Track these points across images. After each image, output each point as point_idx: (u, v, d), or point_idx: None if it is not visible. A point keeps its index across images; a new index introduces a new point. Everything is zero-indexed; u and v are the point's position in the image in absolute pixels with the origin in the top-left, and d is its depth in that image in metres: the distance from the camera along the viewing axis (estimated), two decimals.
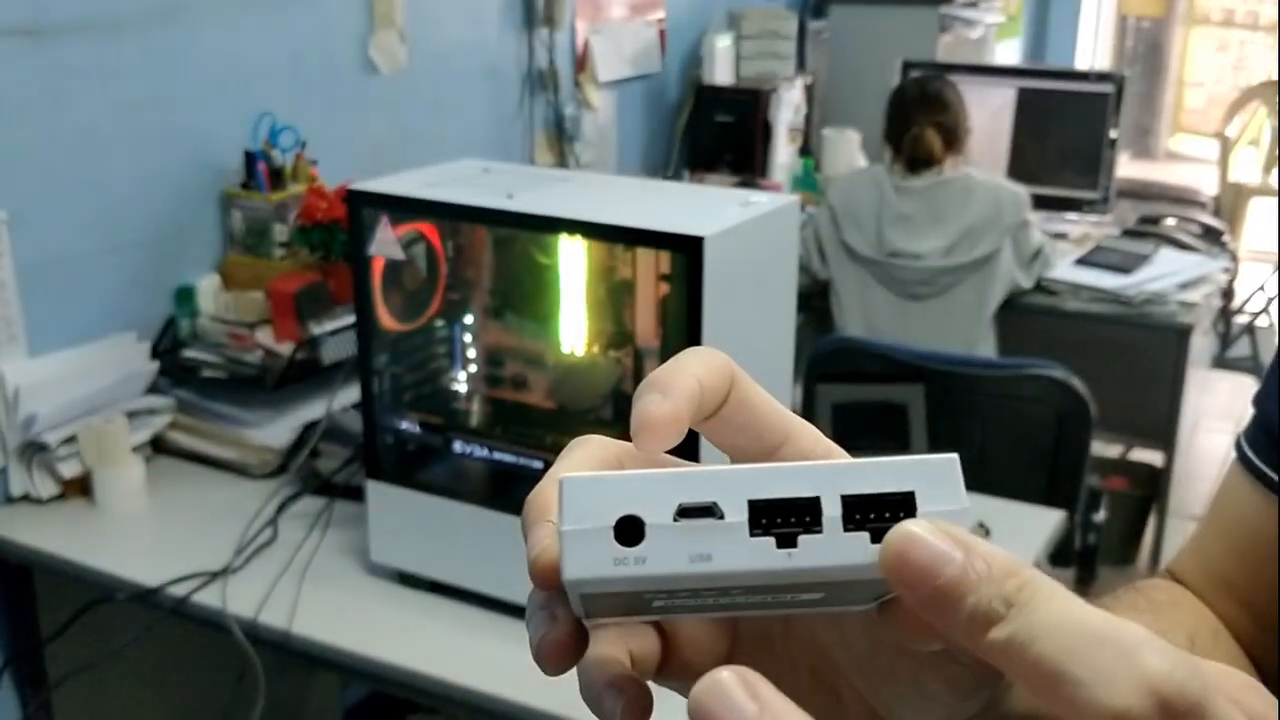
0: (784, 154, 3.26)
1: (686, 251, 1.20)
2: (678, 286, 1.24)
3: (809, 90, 3.45)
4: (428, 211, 1.43)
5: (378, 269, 1.46)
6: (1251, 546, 0.60)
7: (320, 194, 1.91)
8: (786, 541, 0.31)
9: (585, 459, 0.36)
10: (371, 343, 1.47)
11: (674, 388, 0.35)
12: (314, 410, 1.82)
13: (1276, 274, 3.47)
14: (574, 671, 0.36)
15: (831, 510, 0.31)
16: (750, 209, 1.30)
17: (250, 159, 1.95)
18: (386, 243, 1.43)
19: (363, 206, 1.43)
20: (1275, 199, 5.11)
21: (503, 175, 1.51)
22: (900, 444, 1.75)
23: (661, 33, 3.13)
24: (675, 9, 3.18)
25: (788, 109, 3.27)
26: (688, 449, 0.34)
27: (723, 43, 3.23)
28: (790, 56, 3.37)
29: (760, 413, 0.38)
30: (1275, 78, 5.88)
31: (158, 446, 1.81)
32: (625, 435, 0.37)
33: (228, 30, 1.96)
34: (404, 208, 1.42)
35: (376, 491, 1.50)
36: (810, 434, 0.38)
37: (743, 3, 3.43)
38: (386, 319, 1.48)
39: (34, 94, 1.70)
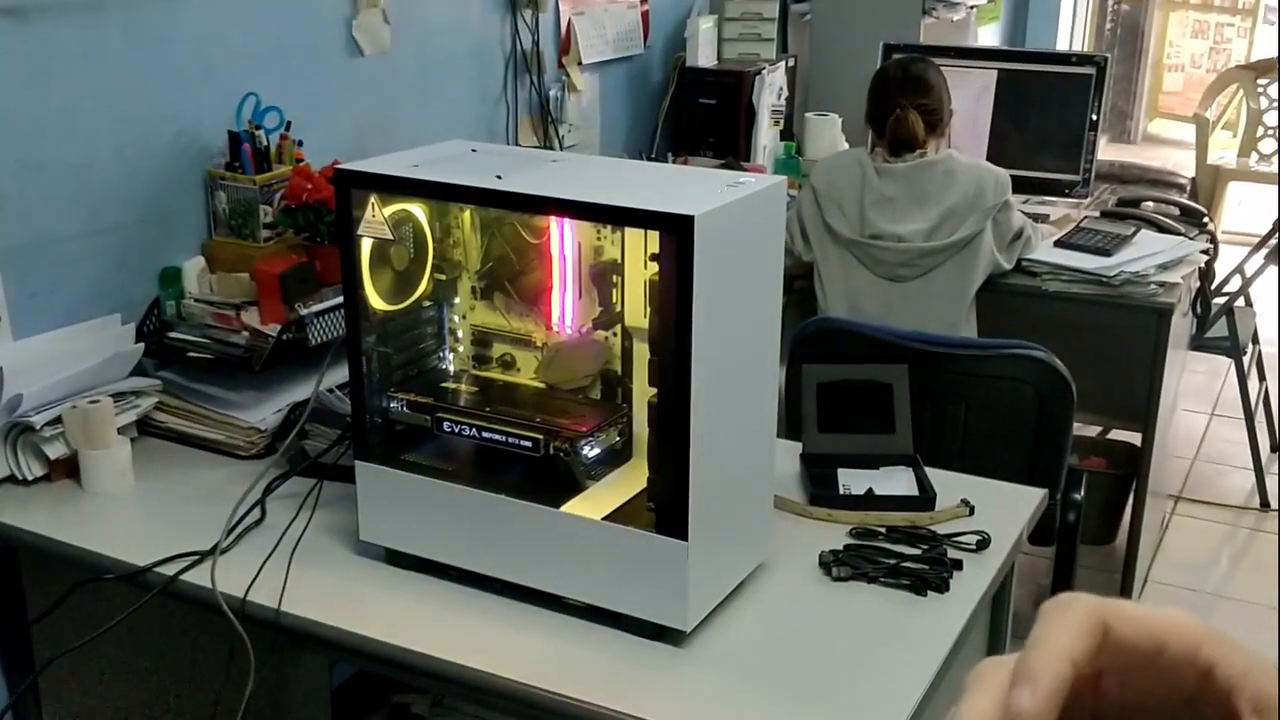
0: (766, 137, 3.27)
1: (676, 231, 1.21)
2: (668, 266, 1.25)
3: (791, 73, 3.46)
4: (417, 192, 1.43)
5: (365, 250, 1.46)
6: None
7: (306, 175, 1.91)
8: None
9: (992, 698, 0.40)
10: (360, 323, 1.48)
11: (1043, 680, 0.39)
12: (300, 391, 1.82)
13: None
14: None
15: None
16: (738, 189, 1.31)
17: (235, 140, 1.95)
18: (375, 223, 1.43)
19: (351, 187, 1.43)
20: (1253, 182, 5.15)
21: (491, 156, 1.51)
22: (884, 423, 1.76)
23: (644, 15, 3.13)
24: None
25: (770, 92, 3.27)
26: None
27: (705, 25, 3.24)
28: (773, 39, 3.38)
29: (1131, 642, 0.41)
30: (1252, 61, 5.92)
31: (143, 428, 1.81)
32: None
33: (211, 11, 1.95)
34: (393, 188, 1.42)
35: (365, 471, 1.50)
36: (1181, 634, 0.41)
37: None
38: (375, 300, 1.49)
39: (16, 75, 1.69)
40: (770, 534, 1.52)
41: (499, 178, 1.36)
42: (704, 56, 3.24)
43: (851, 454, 1.75)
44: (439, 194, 1.43)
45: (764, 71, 3.24)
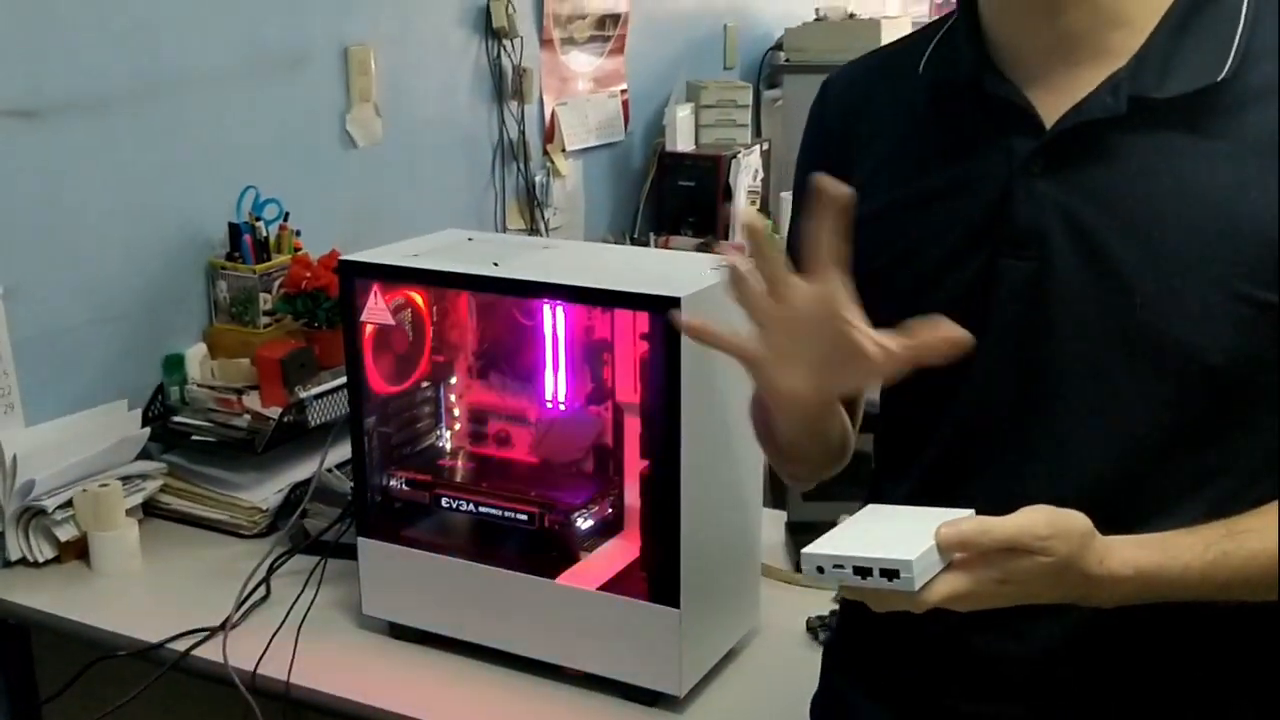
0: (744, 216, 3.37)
1: (665, 312, 1.29)
2: (657, 345, 1.32)
3: (765, 155, 3.58)
4: (418, 280, 1.51)
5: (368, 335, 1.53)
6: None
7: (304, 263, 1.99)
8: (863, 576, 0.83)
9: None
10: (363, 405, 1.54)
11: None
12: (300, 471, 1.88)
13: None
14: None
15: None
16: (723, 271, 1.38)
17: (235, 231, 2.02)
18: (377, 310, 1.50)
19: (354, 276, 1.50)
20: None
21: (486, 244, 1.59)
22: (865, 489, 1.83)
23: (625, 103, 3.25)
24: (637, 81, 3.30)
25: (746, 173, 3.39)
26: None
27: (683, 112, 3.36)
28: (747, 124, 3.51)
29: None
30: None
31: (148, 509, 1.86)
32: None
33: (213, 108, 2.04)
34: (395, 276, 1.49)
35: (367, 547, 1.56)
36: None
37: (701, 75, 3.57)
38: (376, 382, 1.55)
39: (29, 172, 1.77)
40: (759, 601, 1.58)
41: (495, 265, 1.44)
42: (683, 142, 3.35)
43: (835, 521, 1.81)
44: (439, 282, 1.50)
45: (740, 155, 3.36)
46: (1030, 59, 0.94)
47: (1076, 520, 0.84)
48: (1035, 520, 0.83)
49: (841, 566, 0.83)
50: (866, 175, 1.02)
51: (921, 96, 1.01)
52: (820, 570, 0.84)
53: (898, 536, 0.84)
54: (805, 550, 0.85)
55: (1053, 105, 0.92)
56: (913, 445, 1.04)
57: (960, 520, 0.83)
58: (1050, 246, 0.91)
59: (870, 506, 0.94)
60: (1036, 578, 0.83)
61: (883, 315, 1.03)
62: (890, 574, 0.81)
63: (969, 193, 0.95)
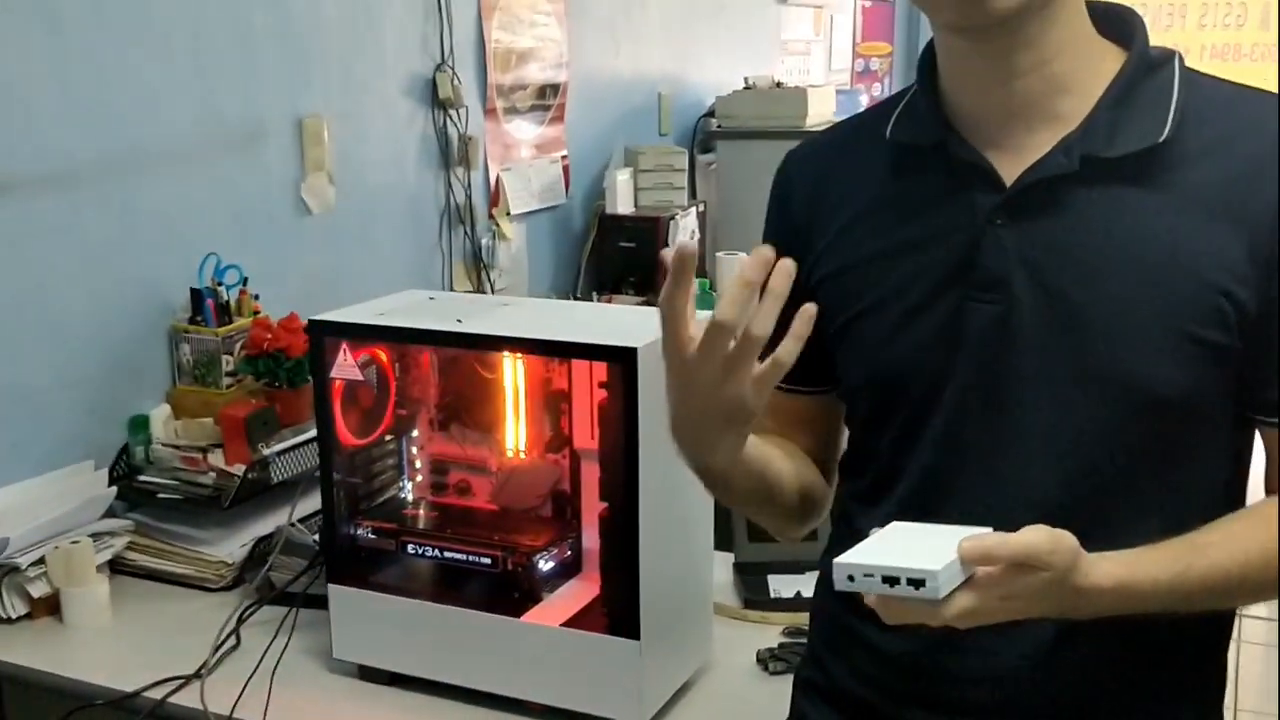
0: None
1: (622, 361, 1.39)
2: (615, 393, 1.42)
3: (701, 217, 3.72)
4: (388, 337, 1.59)
5: (335, 391, 1.61)
6: (790, 416, 1.23)
7: (265, 326, 2.06)
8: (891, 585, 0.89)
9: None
10: (332, 457, 1.61)
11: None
12: (262, 525, 1.93)
13: None
14: None
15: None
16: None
17: (197, 296, 2.10)
18: (347, 366, 1.58)
19: (324, 335, 1.58)
20: None
21: (447, 302, 1.68)
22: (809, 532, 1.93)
23: (566, 169, 3.38)
24: (577, 147, 3.43)
25: (684, 234, 3.52)
26: None
27: (622, 176, 3.49)
28: (683, 187, 3.65)
29: None
30: None
31: (114, 566, 1.90)
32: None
33: (175, 179, 2.12)
34: (364, 335, 1.58)
35: (337, 594, 1.62)
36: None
37: (638, 141, 3.70)
38: (344, 436, 1.63)
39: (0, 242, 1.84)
40: (711, 636, 1.66)
41: (459, 321, 1.53)
42: (622, 204, 3.48)
43: (779, 560, 1.91)
44: (407, 338, 1.58)
45: (677, 216, 3.50)
46: (988, 124, 1.05)
47: (1069, 537, 0.90)
48: (1040, 537, 0.89)
49: (871, 575, 0.89)
50: (835, 234, 1.13)
51: (887, 160, 1.11)
52: (850, 579, 0.90)
53: (922, 550, 0.90)
54: (837, 560, 0.91)
55: (1010, 164, 1.02)
56: (883, 479, 1.12)
57: (982, 535, 0.90)
58: (1013, 290, 1.02)
59: (894, 524, 1.00)
60: (1036, 592, 0.89)
61: (856, 360, 1.13)
62: (917, 583, 0.87)
63: (938, 244, 1.06)
